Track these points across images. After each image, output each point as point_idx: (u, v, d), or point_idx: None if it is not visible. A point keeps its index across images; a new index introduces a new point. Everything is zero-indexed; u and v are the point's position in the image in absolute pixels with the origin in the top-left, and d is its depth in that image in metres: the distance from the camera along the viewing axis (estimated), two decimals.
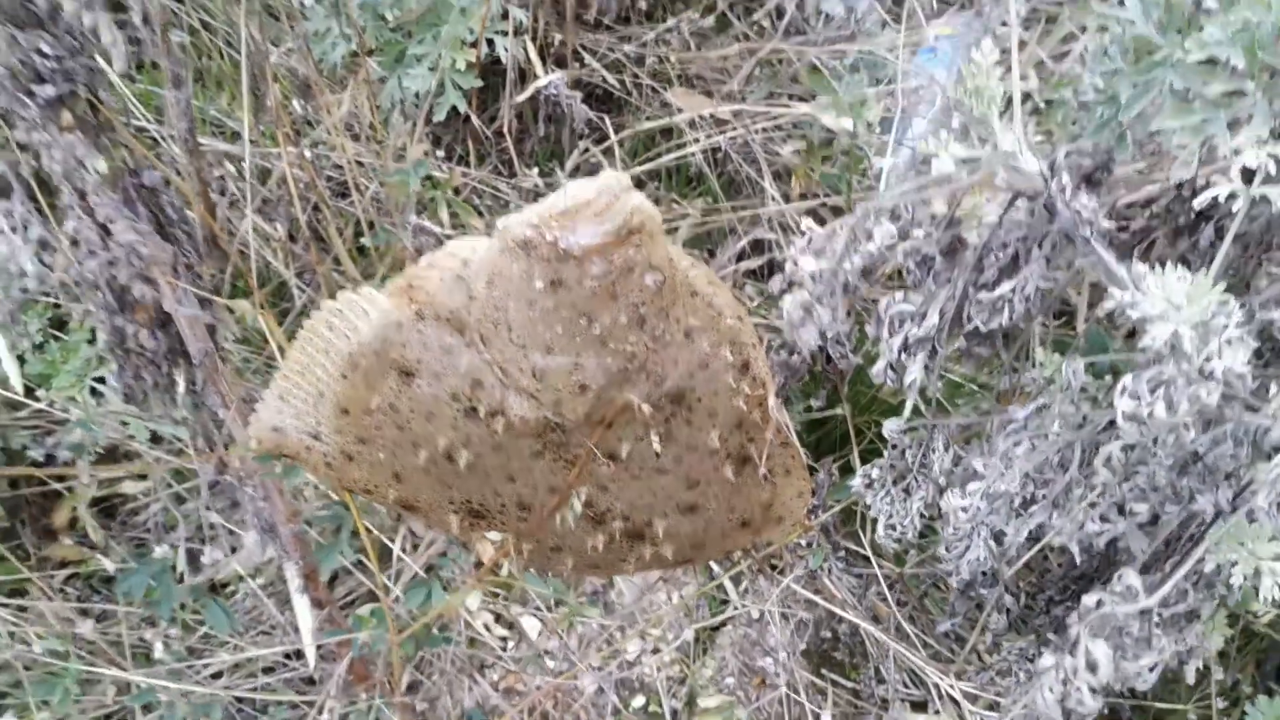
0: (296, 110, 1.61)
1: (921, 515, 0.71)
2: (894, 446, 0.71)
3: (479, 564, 0.88)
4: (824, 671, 1.24)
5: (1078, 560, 0.58)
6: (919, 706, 1.14)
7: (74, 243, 0.71)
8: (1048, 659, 0.53)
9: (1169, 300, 0.51)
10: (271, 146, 1.57)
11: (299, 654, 1.34)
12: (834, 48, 1.59)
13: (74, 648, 1.27)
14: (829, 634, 1.28)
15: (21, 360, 1.52)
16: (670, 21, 1.72)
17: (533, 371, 0.62)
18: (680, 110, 1.60)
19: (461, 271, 0.63)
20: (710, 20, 1.75)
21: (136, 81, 1.59)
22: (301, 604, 1.21)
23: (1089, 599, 0.52)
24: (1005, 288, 0.62)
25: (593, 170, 1.71)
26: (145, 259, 0.70)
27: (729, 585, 1.29)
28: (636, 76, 1.71)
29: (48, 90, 0.66)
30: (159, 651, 1.32)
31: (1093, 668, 0.51)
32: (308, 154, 1.52)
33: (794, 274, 0.57)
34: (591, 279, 0.58)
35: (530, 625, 1.27)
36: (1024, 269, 0.62)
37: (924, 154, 0.55)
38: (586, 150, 1.71)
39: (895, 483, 0.72)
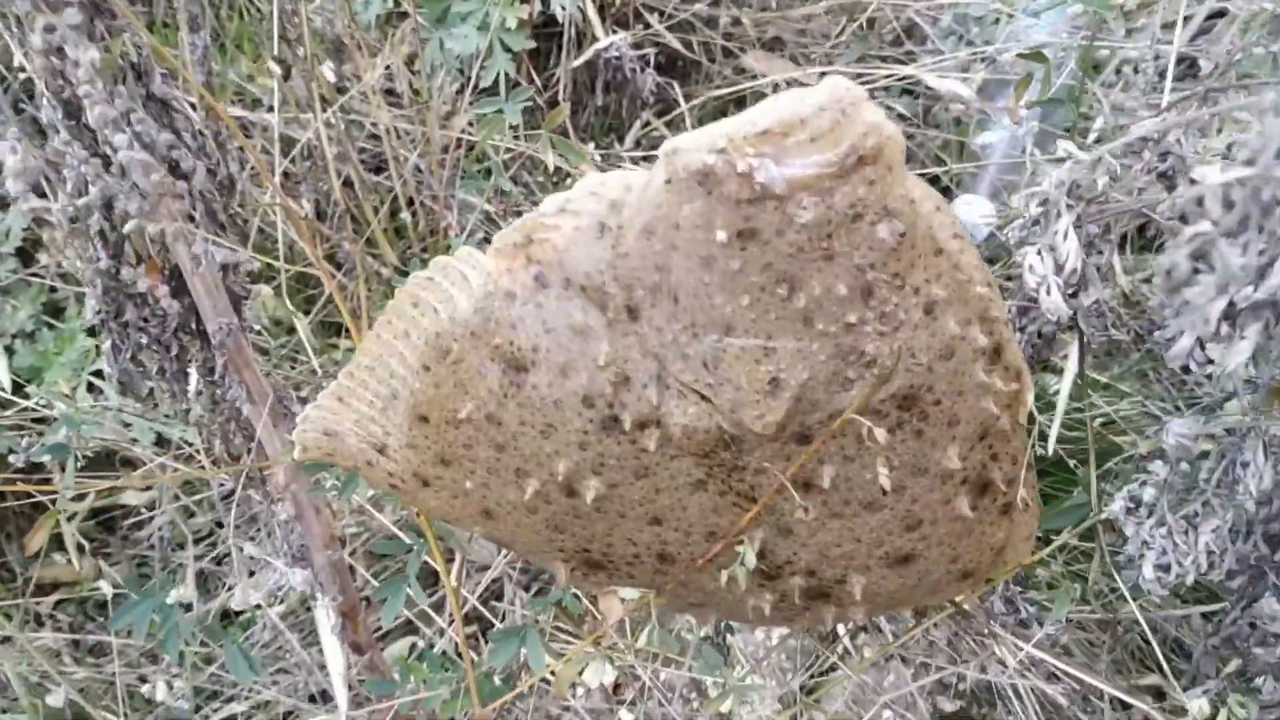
0: (326, 75, 1.42)
1: (1209, 552, 0.52)
2: (1176, 460, 0.52)
3: (568, 610, 0.68)
4: None
5: None
6: None
7: (58, 169, 0.52)
8: None
9: None
10: (298, 114, 1.38)
11: (324, 695, 1.14)
12: (932, 2, 1.41)
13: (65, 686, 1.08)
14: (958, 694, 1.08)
15: (10, 351, 1.33)
16: None
17: (704, 361, 0.44)
18: (760, 76, 1.42)
19: (607, 217, 0.45)
20: None
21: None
22: (331, 645, 1.02)
23: None
24: None
25: (655, 144, 1.52)
26: (155, 189, 0.50)
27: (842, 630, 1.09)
28: (707, 39, 1.52)
29: None
30: (161, 694, 1.13)
31: None
32: (340, 121, 1.33)
33: (1184, 200, 0.37)
34: (798, 229, 0.40)
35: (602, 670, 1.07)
36: None
37: None
38: (648, 123, 1.52)
39: (1174, 508, 0.52)
